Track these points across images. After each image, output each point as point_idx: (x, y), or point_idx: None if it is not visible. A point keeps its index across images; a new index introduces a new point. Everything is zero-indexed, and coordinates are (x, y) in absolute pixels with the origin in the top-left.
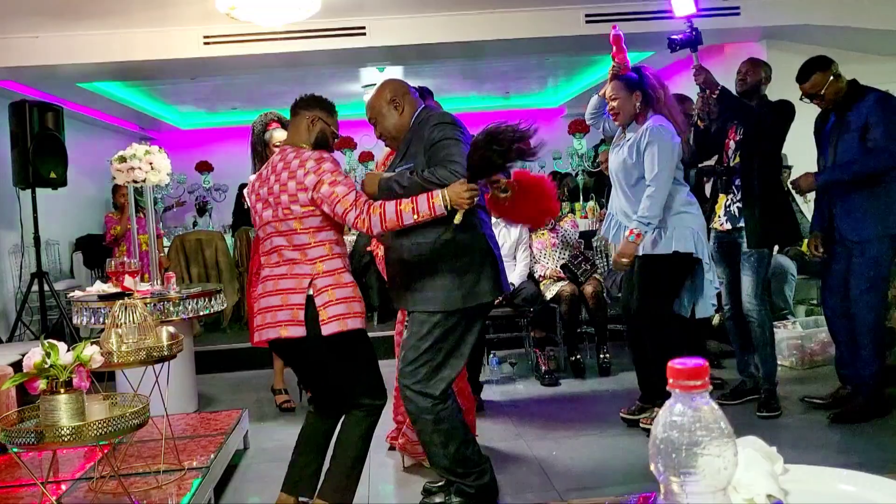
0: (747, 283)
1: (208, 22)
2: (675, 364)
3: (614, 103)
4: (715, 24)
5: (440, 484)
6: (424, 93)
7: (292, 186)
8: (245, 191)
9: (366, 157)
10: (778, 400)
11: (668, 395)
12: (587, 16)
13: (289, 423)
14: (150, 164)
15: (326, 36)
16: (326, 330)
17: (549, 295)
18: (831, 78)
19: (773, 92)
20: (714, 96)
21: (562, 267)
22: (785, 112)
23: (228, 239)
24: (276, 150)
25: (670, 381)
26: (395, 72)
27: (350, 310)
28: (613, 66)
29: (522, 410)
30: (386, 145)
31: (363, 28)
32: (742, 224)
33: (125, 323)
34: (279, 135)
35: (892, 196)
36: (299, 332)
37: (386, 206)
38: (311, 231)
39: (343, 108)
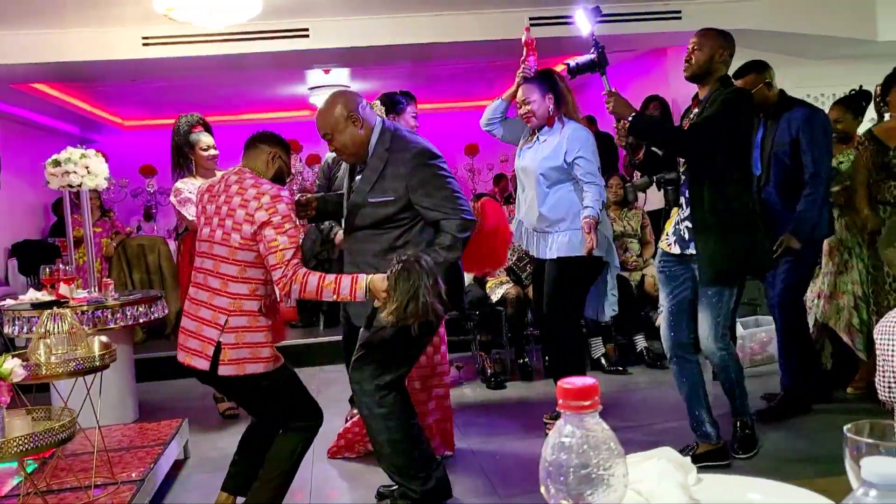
0: (703, 322)
1: (147, 23)
2: (564, 384)
3: (529, 106)
4: (657, 28)
5: (394, 488)
6: (408, 97)
7: (240, 215)
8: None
9: (313, 160)
10: (755, 435)
11: None
12: (531, 19)
13: (232, 430)
14: (87, 168)
15: (269, 38)
16: (221, 370)
17: (494, 298)
18: (764, 83)
19: None
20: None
21: (506, 270)
22: (741, 103)
23: (172, 244)
24: (206, 155)
25: (559, 401)
26: (341, 74)
27: (254, 355)
28: (522, 70)
29: (468, 414)
30: (343, 160)
31: (306, 30)
32: (692, 251)
33: (54, 333)
34: (206, 138)
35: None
36: (203, 365)
37: (310, 278)
38: (242, 265)
39: (289, 111)
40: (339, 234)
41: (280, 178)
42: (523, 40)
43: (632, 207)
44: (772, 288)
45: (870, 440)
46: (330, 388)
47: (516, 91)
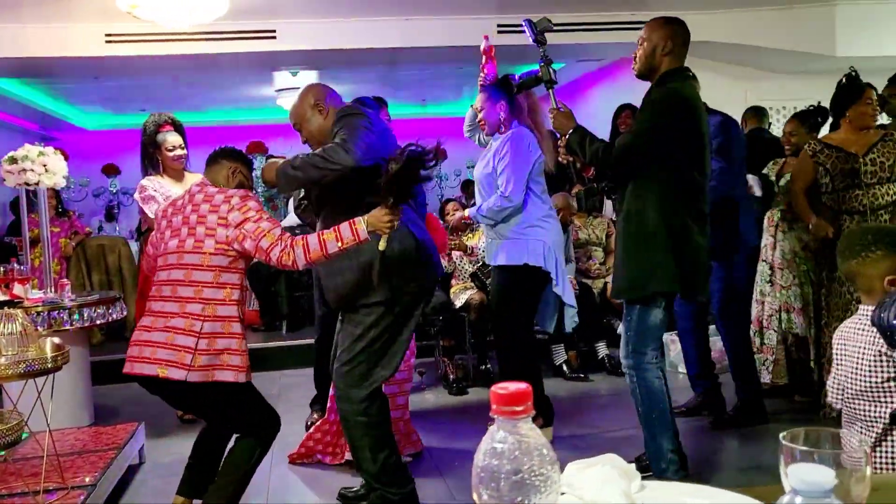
0: (623, 335)
1: (110, 20)
2: (497, 389)
3: (481, 113)
4: (623, 38)
5: (356, 490)
6: (379, 102)
7: (212, 220)
8: (155, 211)
9: None
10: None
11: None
12: (500, 26)
13: (189, 435)
14: (44, 165)
15: (235, 38)
16: (190, 377)
17: (458, 303)
18: None
19: None
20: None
21: (471, 275)
22: (666, 107)
23: (133, 244)
24: (172, 155)
25: (493, 406)
26: (309, 76)
27: (224, 362)
28: (481, 77)
29: (429, 419)
30: (311, 149)
31: (273, 31)
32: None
33: (5, 333)
34: (173, 138)
35: (748, 216)
36: (179, 374)
37: (308, 238)
38: (216, 271)
39: (256, 113)
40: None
41: None
42: (482, 48)
43: (597, 216)
44: (713, 300)
45: (804, 447)
46: (291, 392)
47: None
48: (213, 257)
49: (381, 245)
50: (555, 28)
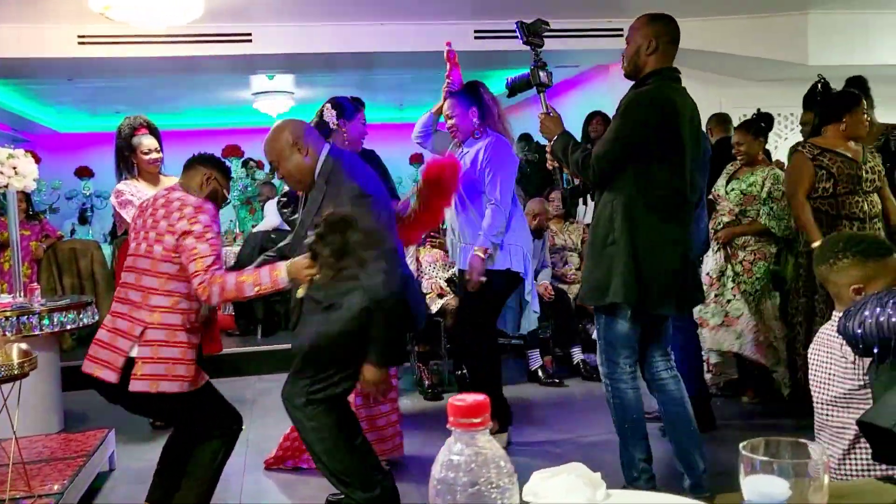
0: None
1: (83, 20)
2: (455, 401)
3: (452, 120)
4: (598, 45)
5: (342, 497)
6: (357, 103)
7: (163, 226)
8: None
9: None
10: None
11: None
12: (476, 31)
13: (161, 440)
14: (14, 168)
15: (210, 41)
16: (133, 386)
17: (433, 309)
18: None
19: None
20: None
21: (447, 281)
22: (636, 114)
23: (107, 248)
24: (147, 158)
25: (450, 419)
26: (285, 81)
27: (169, 372)
28: (447, 84)
29: (405, 425)
30: (290, 188)
31: (249, 35)
32: None
33: None
34: (148, 142)
35: (700, 221)
36: (111, 377)
37: (227, 277)
38: (164, 277)
39: (232, 115)
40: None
41: (214, 199)
42: (445, 54)
43: (573, 221)
44: None
45: (764, 458)
46: (266, 397)
47: (444, 105)
48: (161, 264)
49: (299, 293)
50: (549, 29)
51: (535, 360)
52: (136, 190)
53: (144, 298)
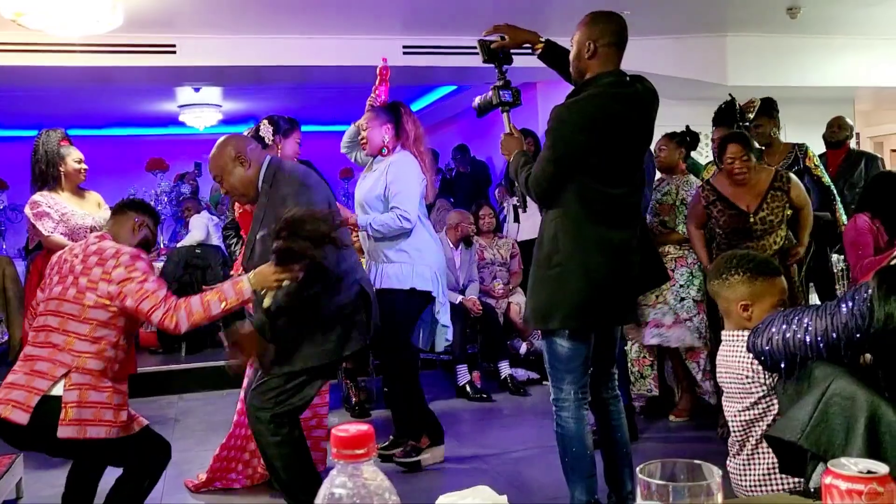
0: None
1: None
2: (338, 431)
3: (364, 133)
4: (524, 63)
5: None
6: (292, 123)
7: (96, 273)
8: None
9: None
10: None
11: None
12: (405, 47)
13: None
14: None
15: (133, 52)
16: (61, 432)
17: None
18: None
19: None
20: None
21: None
22: (563, 125)
23: (21, 263)
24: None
25: (333, 450)
26: (212, 93)
27: (96, 416)
28: (372, 97)
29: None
30: (234, 201)
31: (173, 46)
32: None
33: None
34: (77, 153)
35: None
36: (21, 419)
37: (191, 300)
38: (94, 324)
39: (157, 129)
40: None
41: (145, 246)
42: (378, 69)
43: (502, 236)
44: None
45: (660, 481)
46: (189, 416)
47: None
48: (92, 310)
49: (266, 302)
50: (497, 42)
51: (464, 375)
52: (54, 202)
53: (68, 343)
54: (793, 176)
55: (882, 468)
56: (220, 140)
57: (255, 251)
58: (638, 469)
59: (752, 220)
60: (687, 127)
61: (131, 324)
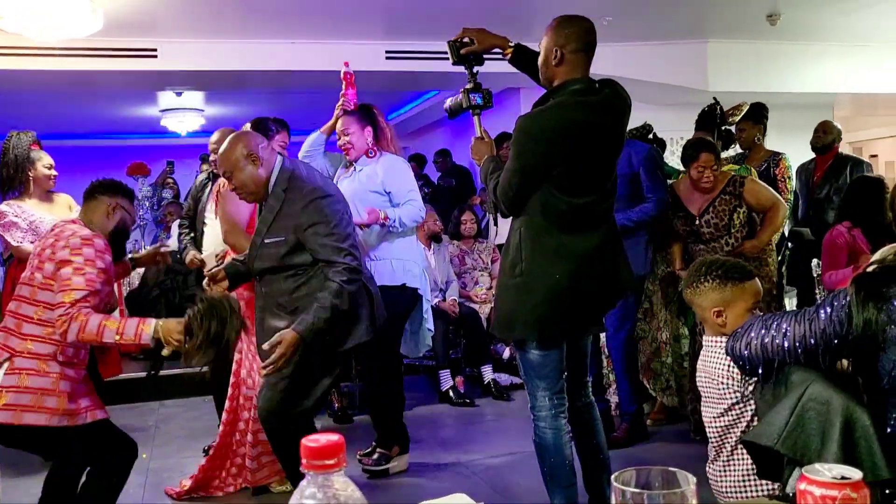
0: None
1: None
2: (308, 442)
3: (347, 137)
4: (506, 68)
5: None
6: (279, 125)
7: (47, 254)
8: None
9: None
10: None
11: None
12: (388, 52)
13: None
14: None
15: (113, 56)
16: None
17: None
18: None
19: None
20: None
21: None
22: (525, 136)
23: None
24: (49, 173)
25: (303, 461)
26: (194, 98)
27: (36, 402)
28: (342, 103)
29: None
30: (241, 198)
31: (154, 50)
32: None
33: None
34: (47, 157)
35: (641, 243)
36: None
37: (91, 318)
38: (41, 306)
39: (139, 134)
40: (191, 254)
41: (123, 230)
42: (342, 74)
43: (483, 241)
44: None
45: (635, 489)
46: (169, 423)
47: (335, 124)
48: (40, 292)
49: (165, 352)
50: (467, 48)
51: (446, 380)
52: (21, 210)
53: (18, 326)
54: (750, 180)
55: (856, 474)
56: (231, 136)
57: (260, 253)
58: (612, 477)
59: (697, 223)
60: (654, 135)
61: (99, 305)
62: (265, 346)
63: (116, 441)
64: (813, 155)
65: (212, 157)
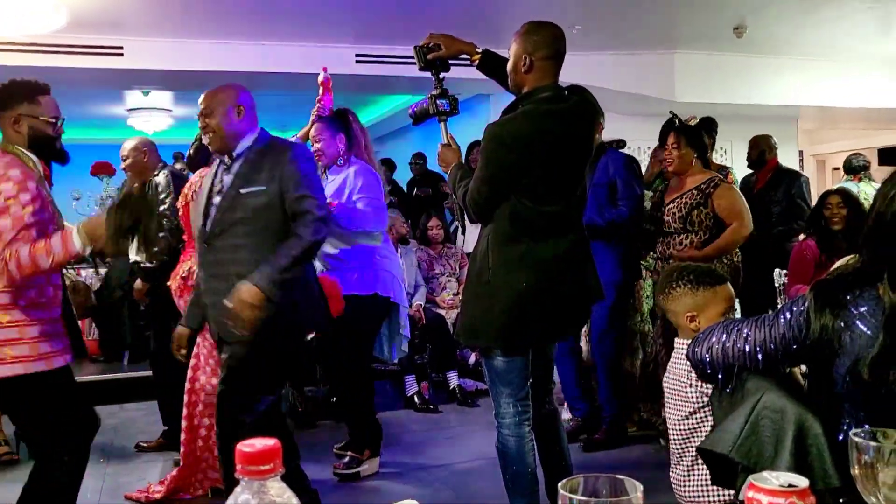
0: None
1: None
2: (243, 447)
3: (319, 144)
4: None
5: None
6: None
7: None
8: None
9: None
10: None
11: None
12: (357, 55)
13: (8, 477)
14: None
15: (78, 53)
16: None
17: (309, 335)
18: None
19: None
20: None
21: None
22: (496, 146)
23: None
24: None
25: (238, 466)
26: (162, 97)
27: (4, 355)
28: (317, 108)
29: None
30: (205, 142)
31: (120, 48)
32: None
33: None
34: None
35: (626, 246)
36: None
37: (21, 251)
38: None
39: (105, 132)
40: (138, 283)
41: (42, 138)
42: (320, 80)
43: (451, 247)
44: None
45: (581, 497)
46: (130, 427)
47: (310, 130)
48: None
49: (140, 258)
50: (434, 53)
51: (412, 385)
52: None
53: None
54: (728, 187)
55: (803, 482)
56: (231, 84)
57: (232, 205)
58: (560, 485)
59: (662, 209)
60: (623, 140)
61: (44, 232)
62: (226, 302)
63: (81, 398)
64: None
65: (122, 165)
